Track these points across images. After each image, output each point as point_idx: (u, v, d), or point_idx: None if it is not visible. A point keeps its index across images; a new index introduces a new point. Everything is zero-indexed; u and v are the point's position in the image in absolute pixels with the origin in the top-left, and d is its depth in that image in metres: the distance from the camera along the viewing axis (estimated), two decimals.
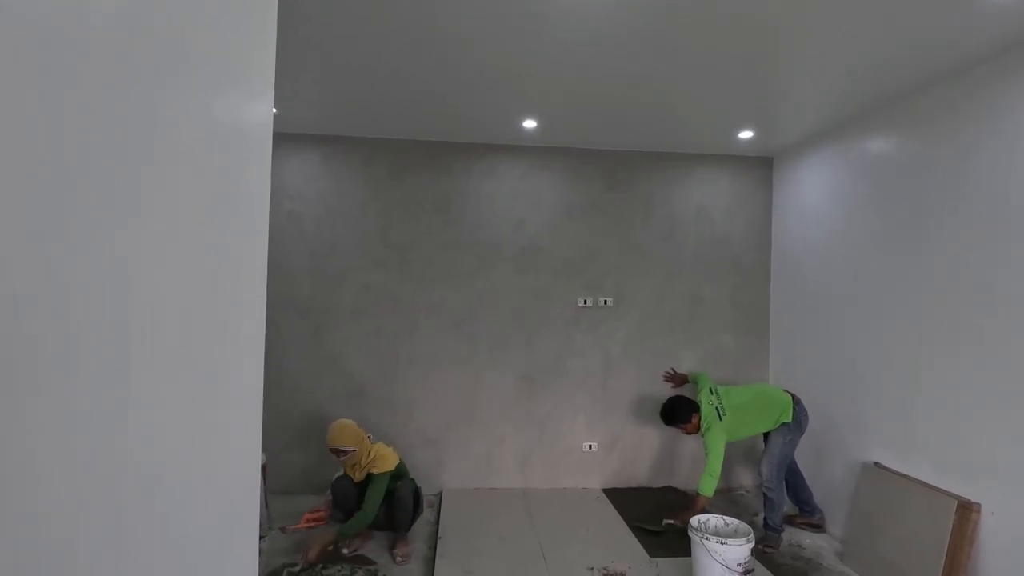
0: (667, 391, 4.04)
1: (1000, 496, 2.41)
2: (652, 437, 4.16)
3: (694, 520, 2.75)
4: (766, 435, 3.37)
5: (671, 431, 4.14)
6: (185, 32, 0.87)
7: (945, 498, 2.60)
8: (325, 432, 3.77)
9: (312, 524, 2.94)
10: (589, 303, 4.12)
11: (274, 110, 3.44)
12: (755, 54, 2.61)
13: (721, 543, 2.53)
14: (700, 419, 3.31)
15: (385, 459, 3.04)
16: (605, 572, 2.85)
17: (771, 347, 4.24)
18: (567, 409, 4.11)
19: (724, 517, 2.83)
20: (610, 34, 2.44)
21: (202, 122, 0.93)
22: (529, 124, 3.61)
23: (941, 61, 2.58)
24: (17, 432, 0.54)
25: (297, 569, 2.77)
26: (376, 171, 3.98)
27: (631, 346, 4.16)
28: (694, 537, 2.64)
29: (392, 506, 3.02)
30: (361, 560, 2.94)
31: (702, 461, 4.15)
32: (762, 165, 4.26)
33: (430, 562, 2.95)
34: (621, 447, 4.15)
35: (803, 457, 3.52)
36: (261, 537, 2.76)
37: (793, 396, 3.35)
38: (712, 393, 3.34)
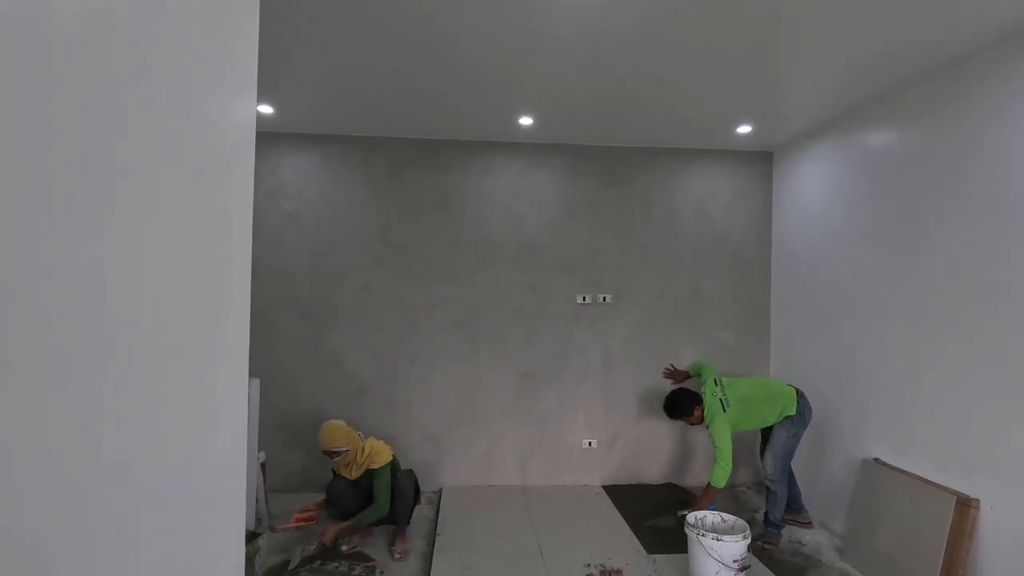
0: (668, 387, 4.04)
1: (999, 492, 2.38)
2: (653, 434, 4.16)
3: (690, 517, 2.75)
4: (769, 429, 3.36)
5: (671, 427, 4.14)
6: (160, 31, 0.88)
7: (944, 494, 2.58)
8: None
9: (302, 524, 2.96)
10: (588, 300, 4.11)
11: (271, 110, 3.47)
12: (753, 49, 2.59)
13: (717, 539, 2.53)
14: (703, 411, 3.31)
15: (380, 453, 3.08)
16: (602, 569, 2.85)
17: (771, 343, 4.22)
18: (567, 407, 4.11)
19: (722, 514, 2.82)
20: (606, 31, 2.44)
21: (179, 120, 0.94)
22: (525, 121, 3.62)
23: (941, 52, 2.56)
24: None
25: (313, 549, 2.90)
26: (375, 170, 3.99)
27: (631, 343, 4.15)
28: (690, 534, 2.63)
29: (393, 497, 3.04)
30: (359, 557, 2.96)
31: (703, 457, 4.16)
32: (762, 160, 4.24)
33: (428, 558, 2.97)
34: (622, 444, 4.14)
35: (803, 453, 3.50)
36: (260, 534, 2.78)
37: (798, 390, 3.34)
38: (716, 384, 3.34)
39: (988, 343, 2.45)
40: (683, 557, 2.80)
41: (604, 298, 4.12)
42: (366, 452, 3.07)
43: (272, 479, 3.72)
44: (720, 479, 3.13)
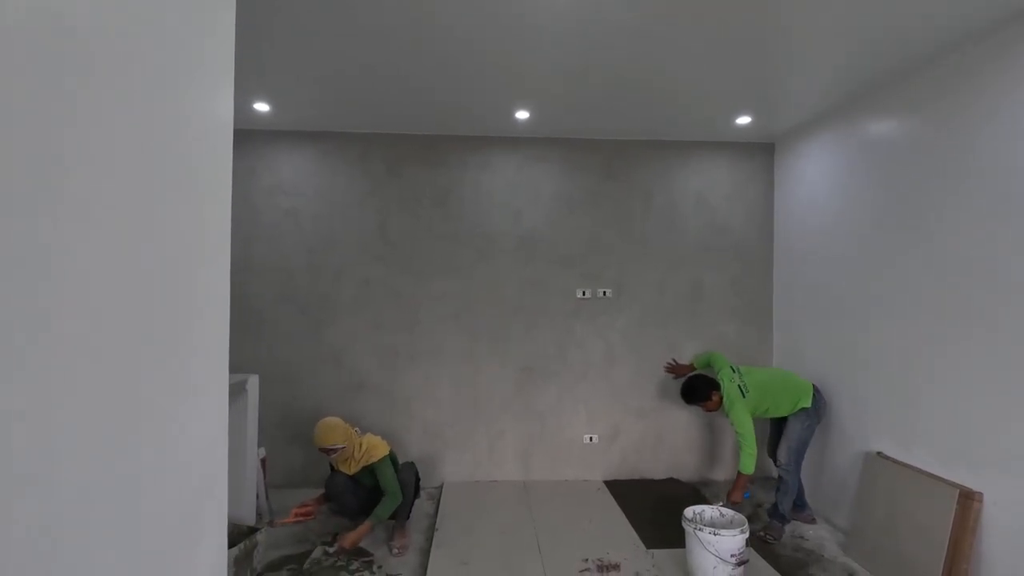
0: (669, 381, 4.02)
1: (1003, 485, 2.34)
2: (655, 428, 4.13)
3: (688, 511, 2.72)
4: (782, 422, 3.33)
5: (674, 422, 4.12)
6: (127, 25, 0.88)
7: (947, 487, 2.54)
8: None
9: (301, 519, 2.98)
10: (588, 294, 4.09)
11: (268, 108, 3.48)
12: (751, 35, 2.55)
13: (714, 534, 2.50)
14: (722, 397, 3.30)
15: (377, 447, 3.09)
16: (600, 563, 2.84)
17: (774, 335, 4.17)
18: (568, 401, 4.10)
19: (720, 508, 2.80)
20: (601, 21, 2.41)
21: (150, 114, 0.94)
22: (522, 115, 3.60)
23: (943, 35, 2.50)
24: None
25: (332, 550, 2.95)
26: (373, 166, 3.99)
27: (632, 337, 4.12)
28: (687, 528, 2.61)
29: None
30: (358, 552, 2.97)
31: (705, 452, 4.14)
32: (763, 151, 4.19)
33: (426, 553, 2.97)
34: (623, 439, 4.12)
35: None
36: (258, 529, 2.80)
37: (814, 385, 3.33)
38: (734, 371, 3.33)
39: (992, 335, 2.40)
40: (682, 552, 2.78)
41: (604, 292, 4.10)
42: (363, 448, 3.07)
43: (273, 475, 3.74)
44: (748, 465, 3.09)
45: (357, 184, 3.99)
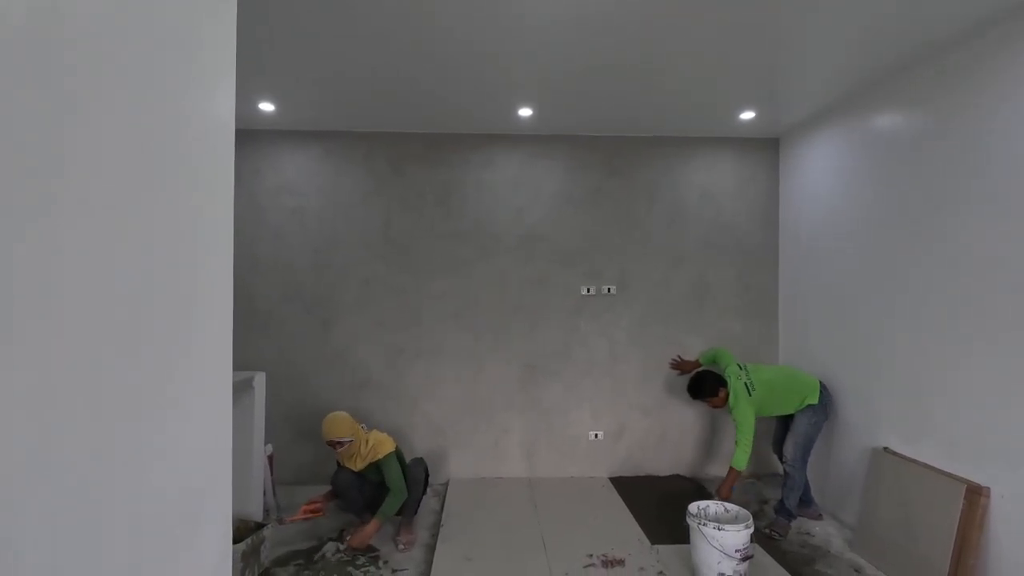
0: (674, 378, 4.01)
1: (1010, 480, 2.32)
2: (660, 425, 4.13)
3: (692, 507, 2.72)
4: (789, 417, 3.32)
5: (679, 418, 4.11)
6: (129, 26, 0.89)
7: (954, 482, 2.52)
8: None
9: (309, 516, 3.00)
10: (592, 291, 4.09)
11: (272, 108, 3.50)
12: (755, 31, 2.55)
13: (718, 529, 2.50)
14: (728, 393, 3.30)
15: (383, 443, 3.10)
16: (604, 559, 2.85)
17: (780, 331, 4.15)
18: (573, 398, 4.10)
19: (725, 503, 2.80)
20: (601, 17, 2.41)
21: (148, 114, 0.95)
22: (525, 112, 3.60)
23: (947, 28, 2.48)
24: None
25: (343, 547, 2.96)
26: (376, 165, 4.01)
27: (637, 333, 4.12)
28: (692, 523, 2.61)
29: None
30: (365, 547, 2.99)
31: (711, 449, 4.13)
32: (768, 147, 4.16)
33: (431, 548, 2.99)
34: (628, 436, 4.12)
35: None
36: (265, 525, 2.83)
37: (821, 382, 3.32)
38: (741, 368, 3.34)
39: (1000, 329, 2.38)
40: (686, 547, 2.77)
41: (608, 289, 4.10)
42: (370, 444, 3.09)
43: (280, 471, 3.77)
44: (742, 462, 3.12)
45: (361, 183, 4.01)
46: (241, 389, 3.10)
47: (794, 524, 3.27)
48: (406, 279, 4.02)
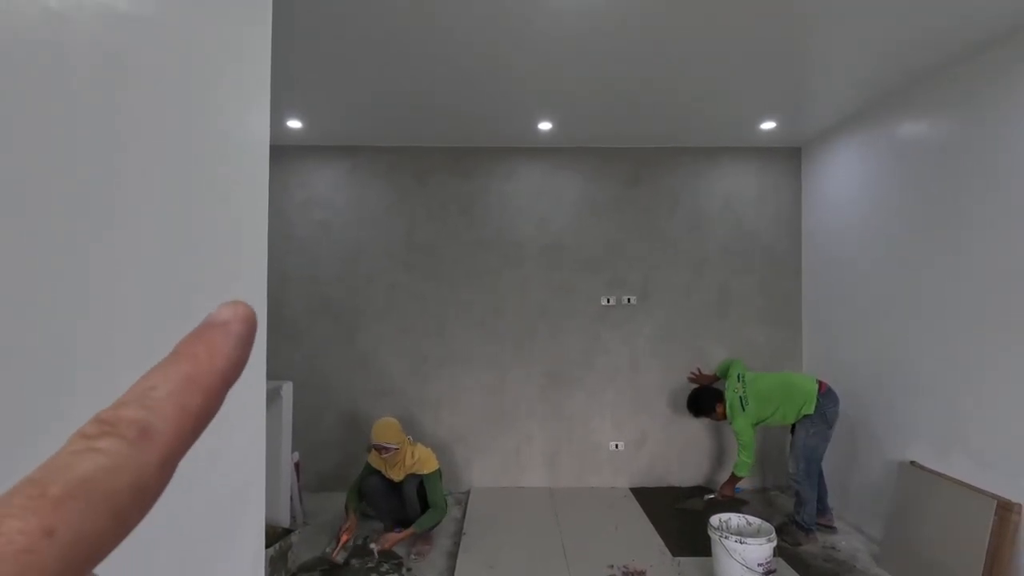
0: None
1: None
2: (682, 436, 4.11)
3: (714, 519, 2.71)
4: (793, 428, 3.30)
5: (702, 429, 4.09)
6: (168, 54, 0.96)
7: (984, 498, 2.47)
8: (358, 431, 3.92)
9: (347, 538, 3.02)
10: (613, 302, 4.11)
11: (300, 124, 3.62)
12: (776, 41, 2.55)
13: (741, 542, 2.49)
14: (725, 407, 3.35)
15: (429, 460, 3.12)
16: (625, 570, 2.85)
17: (804, 340, 4.11)
18: (594, 407, 4.11)
19: (747, 516, 2.77)
20: (622, 30, 2.45)
21: (184, 132, 1.03)
22: (545, 126, 3.65)
23: (976, 32, 2.45)
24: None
25: (377, 548, 2.97)
26: (401, 177, 4.11)
27: (659, 342, 4.12)
28: (713, 536, 2.60)
29: (427, 505, 3.11)
30: (387, 554, 3.04)
31: (733, 461, 4.09)
32: (790, 156, 4.14)
33: (453, 556, 3.02)
34: (650, 446, 4.11)
35: (835, 455, 3.41)
36: (293, 531, 2.90)
37: (821, 385, 3.25)
38: (739, 381, 3.35)
39: None
40: (708, 560, 2.76)
41: (629, 299, 4.11)
42: (416, 457, 3.12)
43: (306, 478, 3.85)
44: (743, 468, 3.30)
45: (385, 195, 4.10)
46: (270, 398, 3.19)
47: (820, 538, 3.22)
48: (429, 288, 4.09)
